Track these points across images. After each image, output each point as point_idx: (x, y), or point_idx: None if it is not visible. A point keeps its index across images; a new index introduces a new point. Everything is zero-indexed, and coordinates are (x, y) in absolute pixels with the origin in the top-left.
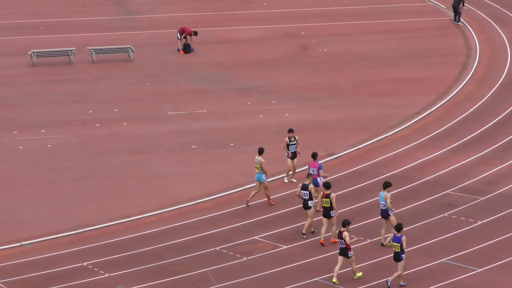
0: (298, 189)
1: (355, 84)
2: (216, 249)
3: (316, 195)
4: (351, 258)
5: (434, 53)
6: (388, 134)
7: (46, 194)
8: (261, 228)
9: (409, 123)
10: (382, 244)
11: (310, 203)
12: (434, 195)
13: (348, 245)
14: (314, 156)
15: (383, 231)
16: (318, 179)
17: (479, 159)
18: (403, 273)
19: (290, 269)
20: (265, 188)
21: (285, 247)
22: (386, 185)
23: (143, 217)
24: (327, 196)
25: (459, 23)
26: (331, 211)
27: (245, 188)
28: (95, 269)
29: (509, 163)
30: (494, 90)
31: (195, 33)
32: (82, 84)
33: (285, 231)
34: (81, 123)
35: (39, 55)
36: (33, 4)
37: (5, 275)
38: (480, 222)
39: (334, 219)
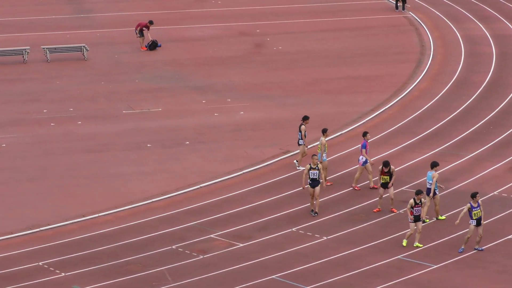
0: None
1: (309, 82)
2: (172, 248)
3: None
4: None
5: (388, 50)
6: (343, 132)
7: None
8: (216, 226)
9: (364, 121)
10: (424, 221)
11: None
12: None
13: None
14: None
15: (425, 208)
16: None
17: (433, 156)
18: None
19: (246, 267)
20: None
21: (241, 245)
22: (434, 165)
23: (98, 216)
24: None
25: (404, 11)
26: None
27: (201, 187)
28: (50, 268)
29: (463, 160)
30: (448, 87)
31: (151, 22)
32: (36, 83)
33: (241, 229)
34: (35, 123)
35: None
36: None
37: None
38: (435, 219)
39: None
